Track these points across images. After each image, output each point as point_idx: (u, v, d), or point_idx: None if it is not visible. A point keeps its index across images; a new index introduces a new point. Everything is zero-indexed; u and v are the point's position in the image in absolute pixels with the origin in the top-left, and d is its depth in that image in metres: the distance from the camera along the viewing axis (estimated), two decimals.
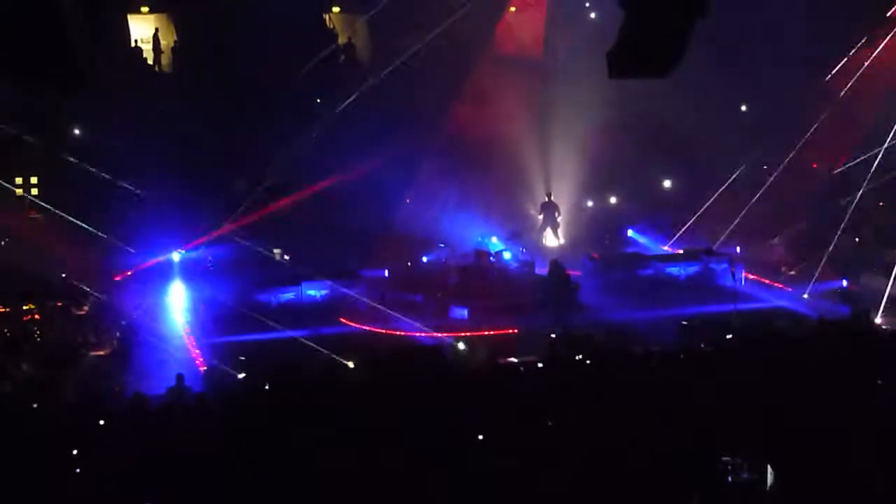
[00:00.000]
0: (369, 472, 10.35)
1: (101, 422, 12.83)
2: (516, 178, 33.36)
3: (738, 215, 29.66)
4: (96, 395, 14.89)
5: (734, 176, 31.42)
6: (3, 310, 23.37)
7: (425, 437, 11.00)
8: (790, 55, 31.25)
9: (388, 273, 27.96)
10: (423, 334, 23.04)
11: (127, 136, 28.76)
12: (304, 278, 25.61)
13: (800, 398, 12.06)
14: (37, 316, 23.36)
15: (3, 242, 28.24)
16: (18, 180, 30.52)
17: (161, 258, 27.09)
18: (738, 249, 29.14)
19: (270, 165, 30.21)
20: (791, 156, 30.73)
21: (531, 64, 33.81)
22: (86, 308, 23.80)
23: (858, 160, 30.16)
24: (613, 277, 27.30)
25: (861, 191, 28.36)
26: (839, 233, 27.19)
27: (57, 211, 27.83)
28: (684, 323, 21.61)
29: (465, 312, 24.79)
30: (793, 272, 27.46)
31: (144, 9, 34.34)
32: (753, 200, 29.97)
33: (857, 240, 27.80)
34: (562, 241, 32.56)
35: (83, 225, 26.69)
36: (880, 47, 31.84)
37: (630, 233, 32.98)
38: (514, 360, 18.37)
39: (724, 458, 10.40)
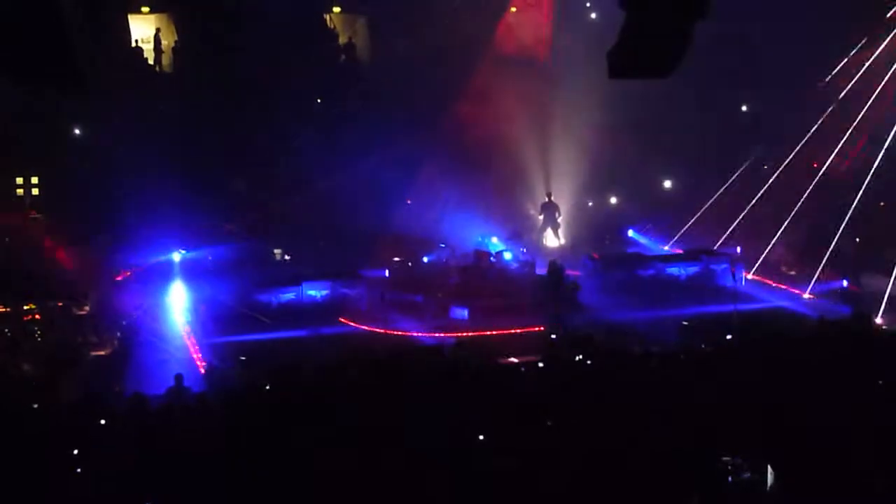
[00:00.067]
0: (369, 472, 10.35)
1: (102, 421, 12.84)
2: (516, 178, 33.38)
3: (738, 215, 29.67)
4: (96, 394, 14.87)
5: (735, 176, 31.43)
6: (3, 309, 23.37)
7: (425, 437, 11.00)
8: (790, 55, 31.22)
9: (389, 273, 27.94)
10: (423, 334, 23.04)
11: (127, 135, 28.77)
12: (305, 278, 25.60)
13: (800, 398, 12.06)
14: (37, 316, 23.35)
15: (4, 241, 28.25)
16: (19, 180, 30.53)
17: (161, 258, 27.09)
18: (738, 250, 29.15)
19: (270, 165, 30.23)
20: (791, 156, 30.74)
21: (531, 64, 33.83)
22: (86, 308, 23.78)
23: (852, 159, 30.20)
24: (614, 277, 27.28)
25: (861, 191, 28.35)
26: (839, 233, 27.18)
27: (57, 211, 27.85)
28: (685, 323, 21.63)
29: (466, 312, 24.77)
30: (793, 272, 27.46)
31: (145, 9, 34.33)
32: (754, 201, 29.98)
33: (857, 240, 27.78)
34: (562, 241, 32.58)
35: (84, 225, 26.69)
36: (881, 48, 31.83)
37: (630, 233, 33.01)
38: (514, 360, 18.38)
39: (725, 458, 10.40)
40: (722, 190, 30.98)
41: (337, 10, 35.82)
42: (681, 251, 29.59)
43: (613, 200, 34.86)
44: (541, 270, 26.71)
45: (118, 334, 22.36)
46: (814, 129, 30.59)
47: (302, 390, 13.72)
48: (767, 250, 28.42)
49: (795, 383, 12.68)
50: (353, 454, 10.63)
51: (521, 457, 10.81)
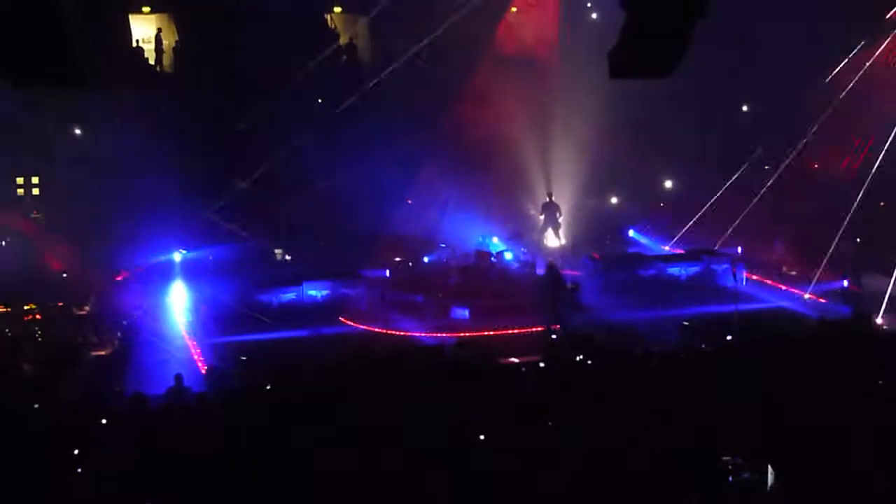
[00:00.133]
0: (370, 473, 10.35)
1: (104, 421, 12.84)
2: (517, 178, 33.40)
3: (739, 216, 29.68)
4: (97, 394, 14.88)
5: (735, 176, 31.43)
6: (4, 309, 23.39)
7: (426, 437, 11.00)
8: (791, 55, 31.23)
9: (389, 273, 27.96)
10: (423, 334, 23.05)
11: (128, 135, 28.76)
12: (306, 278, 25.61)
13: (800, 398, 12.06)
14: (38, 316, 23.37)
15: (4, 242, 28.27)
16: (19, 180, 30.56)
17: (162, 258, 27.11)
18: (739, 250, 29.17)
19: (271, 165, 30.24)
20: (792, 156, 30.76)
21: (532, 64, 33.84)
22: (87, 308, 23.81)
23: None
24: (614, 278, 27.30)
25: (862, 191, 28.35)
26: (840, 233, 27.18)
27: (58, 211, 27.87)
28: (685, 323, 21.63)
29: (466, 313, 24.79)
30: (794, 272, 27.47)
31: (146, 9, 34.35)
32: (755, 200, 29.99)
33: (857, 240, 27.78)
34: (563, 241, 32.59)
35: (84, 224, 26.71)
36: (881, 48, 31.86)
37: (631, 233, 33.04)
38: (515, 360, 18.38)
39: (725, 458, 10.39)
40: (722, 190, 30.99)
41: (338, 10, 35.84)
42: (681, 251, 29.60)
43: (614, 200, 34.88)
44: (541, 271, 26.72)
45: (118, 334, 22.37)
46: (814, 129, 30.61)
47: (302, 390, 13.72)
48: (768, 251, 28.47)
49: (795, 383, 12.68)
50: (354, 454, 10.62)
51: (521, 457, 10.81)
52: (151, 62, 33.97)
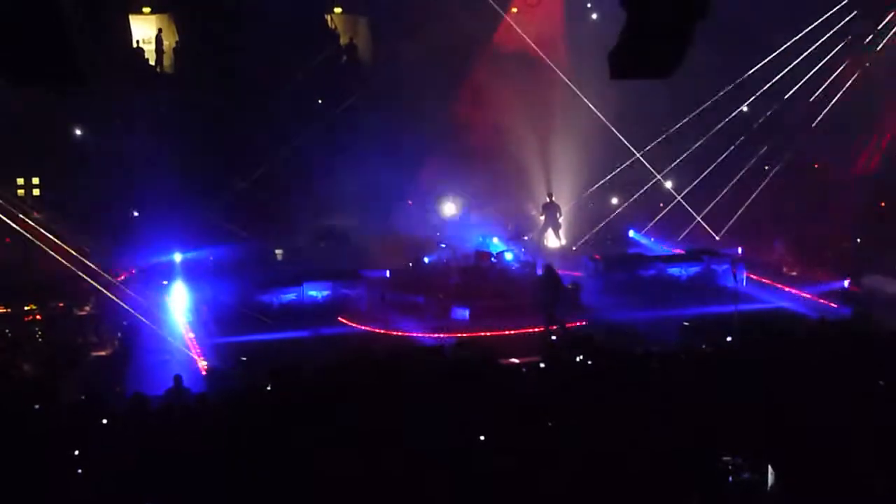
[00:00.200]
0: (370, 473, 10.35)
1: (105, 421, 12.85)
2: (517, 178, 33.41)
3: (739, 216, 29.71)
4: (97, 395, 14.88)
5: (737, 177, 31.46)
6: (4, 310, 23.40)
7: (426, 438, 11.00)
8: (791, 55, 31.28)
9: (390, 273, 27.96)
10: (424, 335, 23.04)
11: (128, 136, 28.80)
12: (306, 278, 25.60)
13: (800, 398, 12.06)
14: (38, 316, 23.38)
15: (5, 241, 28.26)
16: (20, 180, 30.56)
17: (163, 258, 27.11)
18: (739, 250, 29.18)
19: (271, 165, 30.26)
20: (792, 157, 30.78)
21: (533, 64, 33.84)
22: (87, 308, 23.81)
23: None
24: (615, 278, 27.30)
25: (862, 191, 28.39)
26: (840, 233, 27.21)
27: (58, 211, 27.86)
28: (686, 324, 21.63)
29: (467, 313, 24.78)
30: (794, 273, 27.47)
31: (146, 9, 34.38)
32: (753, 200, 30.01)
33: (858, 240, 27.81)
34: (563, 241, 32.61)
35: (85, 225, 26.71)
36: (880, 46, 31.88)
37: (632, 233, 33.05)
38: (515, 360, 18.39)
39: (725, 459, 10.40)
40: (724, 191, 31.01)
41: (339, 10, 35.86)
42: (682, 252, 29.60)
43: (615, 201, 34.88)
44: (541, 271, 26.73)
45: (119, 335, 22.37)
46: (814, 129, 30.63)
47: (302, 391, 13.72)
48: (768, 251, 28.48)
49: (796, 383, 12.68)
50: (354, 455, 10.62)
51: (521, 457, 10.81)
52: (152, 63, 33.99)
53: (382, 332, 23.62)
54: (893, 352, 15.22)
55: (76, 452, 11.46)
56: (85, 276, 23.86)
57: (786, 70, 31.66)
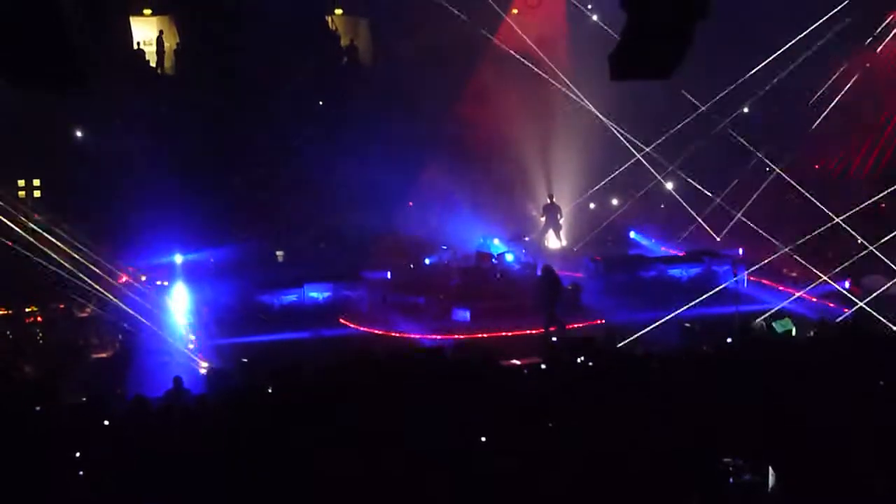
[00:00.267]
0: (370, 474, 10.35)
1: (106, 423, 12.85)
2: (518, 179, 33.43)
3: (740, 217, 29.68)
4: (98, 397, 14.89)
5: (738, 178, 31.45)
6: (5, 312, 23.40)
7: (426, 439, 11.00)
8: (792, 55, 31.26)
9: (391, 275, 27.97)
10: (424, 336, 23.05)
11: (129, 137, 28.80)
12: (307, 280, 25.60)
13: (801, 399, 12.06)
14: (39, 318, 23.39)
15: (5, 243, 28.27)
16: (21, 182, 30.56)
17: (163, 260, 27.11)
18: (740, 251, 29.16)
19: (271, 165, 30.26)
20: (793, 157, 30.76)
21: (533, 65, 33.86)
22: (88, 310, 23.81)
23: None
24: (615, 279, 27.30)
25: (863, 192, 28.37)
26: (841, 234, 27.17)
27: (59, 213, 27.85)
28: (686, 325, 21.63)
29: (468, 314, 24.78)
30: (794, 274, 27.44)
31: (147, 11, 34.38)
32: (754, 201, 30.00)
33: (859, 241, 27.78)
34: (564, 242, 32.62)
35: (85, 226, 26.70)
36: (881, 47, 31.89)
37: (632, 234, 33.04)
38: (516, 361, 18.40)
39: (725, 460, 10.39)
40: (725, 192, 31.00)
41: (339, 11, 35.88)
42: (683, 253, 29.60)
43: (615, 202, 34.89)
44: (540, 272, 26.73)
45: (119, 336, 22.37)
46: (815, 130, 30.63)
47: (303, 391, 13.72)
48: (769, 251, 28.46)
49: (796, 384, 12.68)
50: (354, 456, 10.62)
51: (522, 458, 10.81)
52: (153, 64, 33.99)
53: (383, 333, 23.63)
54: (893, 352, 15.23)
55: (77, 454, 11.46)
56: (85, 278, 23.87)
57: (786, 71, 31.63)
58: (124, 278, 26.11)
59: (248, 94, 30.31)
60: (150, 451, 11.48)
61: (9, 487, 10.47)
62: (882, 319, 21.70)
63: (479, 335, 23.03)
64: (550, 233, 32.66)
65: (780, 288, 26.48)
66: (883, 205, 29.97)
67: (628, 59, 6.27)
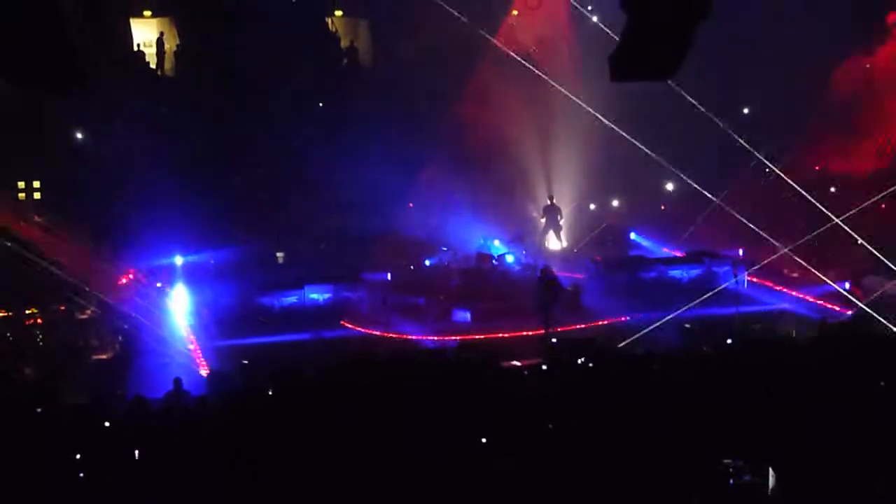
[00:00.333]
0: (371, 475, 10.35)
1: (106, 424, 12.85)
2: (518, 180, 33.41)
3: (740, 217, 29.64)
4: (98, 398, 14.90)
5: (737, 179, 31.42)
6: (5, 313, 23.39)
7: (427, 440, 11.00)
8: (792, 55, 31.25)
9: (391, 276, 27.95)
10: (425, 337, 23.04)
11: (129, 138, 28.79)
12: (307, 281, 25.58)
13: (801, 400, 12.05)
14: (39, 320, 23.38)
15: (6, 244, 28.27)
16: (21, 184, 30.55)
17: (163, 261, 27.09)
18: (740, 252, 29.13)
19: (271, 166, 30.25)
20: (793, 157, 30.75)
21: (534, 66, 33.86)
22: (88, 312, 23.81)
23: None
24: (616, 280, 27.28)
25: (864, 192, 28.34)
26: (841, 235, 27.14)
27: (59, 214, 27.86)
28: (687, 326, 21.62)
29: (468, 315, 24.78)
30: (795, 274, 27.43)
31: (147, 12, 34.38)
32: (754, 202, 29.96)
33: (859, 241, 27.77)
34: (564, 244, 32.60)
35: (85, 227, 26.70)
36: (881, 47, 31.88)
37: (633, 236, 33.02)
38: (517, 363, 18.38)
39: (726, 461, 10.38)
40: (725, 193, 30.97)
41: (339, 13, 35.88)
42: (683, 254, 29.58)
43: (615, 203, 34.88)
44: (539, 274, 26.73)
45: (120, 338, 22.37)
46: (815, 130, 30.62)
47: (303, 393, 13.72)
48: (769, 252, 28.44)
49: (796, 385, 12.67)
50: (355, 456, 10.62)
51: (522, 459, 10.81)
52: (153, 66, 33.99)
53: (384, 334, 23.61)
54: (893, 353, 15.22)
55: (77, 455, 11.46)
56: (86, 279, 23.88)
57: (785, 71, 31.63)
58: (125, 280, 26.11)
59: (248, 94, 30.30)
60: (151, 452, 11.48)
61: (9, 489, 10.47)
62: (882, 320, 21.68)
63: (480, 336, 23.01)
64: (551, 234, 32.64)
65: (781, 289, 26.46)
66: (883, 205, 29.96)
67: (628, 60, 6.26)
